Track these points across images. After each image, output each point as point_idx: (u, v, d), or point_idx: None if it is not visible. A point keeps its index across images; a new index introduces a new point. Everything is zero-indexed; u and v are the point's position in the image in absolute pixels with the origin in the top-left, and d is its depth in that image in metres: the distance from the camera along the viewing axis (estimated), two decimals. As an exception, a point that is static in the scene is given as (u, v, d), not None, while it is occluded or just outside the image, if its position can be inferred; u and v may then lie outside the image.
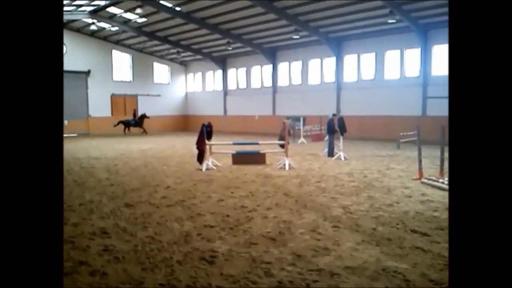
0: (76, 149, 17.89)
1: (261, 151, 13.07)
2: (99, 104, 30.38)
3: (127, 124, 28.70)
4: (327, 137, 15.26)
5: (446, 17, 18.18)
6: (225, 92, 32.00)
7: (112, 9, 24.67)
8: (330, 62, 24.76)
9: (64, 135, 20.22)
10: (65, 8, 23.08)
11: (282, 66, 27.75)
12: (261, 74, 29.33)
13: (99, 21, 26.65)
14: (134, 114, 29.70)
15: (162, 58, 33.83)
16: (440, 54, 20.20)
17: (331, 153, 14.24)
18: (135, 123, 28.76)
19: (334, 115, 15.20)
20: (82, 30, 28.67)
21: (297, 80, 26.85)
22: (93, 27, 27.27)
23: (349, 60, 23.92)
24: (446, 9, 17.51)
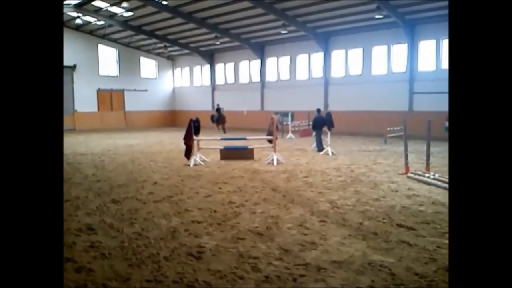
0: (61, 144, 17.62)
1: (249, 146, 13.07)
2: (85, 99, 29.97)
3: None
4: (314, 133, 15.35)
5: (433, 13, 18.42)
6: (213, 87, 31.86)
7: (98, 3, 24.28)
8: (318, 57, 24.82)
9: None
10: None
11: (270, 61, 27.73)
12: (249, 69, 29.26)
13: (84, 15, 26.24)
14: (217, 109, 26.59)
15: (149, 52, 33.47)
16: (427, 49, 20.42)
17: (320, 148, 14.35)
18: (217, 118, 25.97)
19: (318, 110, 15.28)
20: (67, 24, 28.14)
21: (285, 75, 26.87)
22: (78, 21, 26.83)
23: (337, 55, 24.02)
24: (432, 5, 17.71)
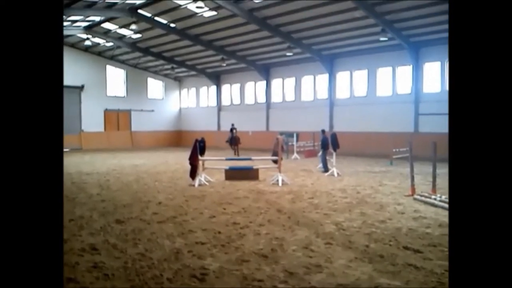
0: (67, 164, 17.72)
1: (254, 167, 13.05)
2: (92, 119, 30.30)
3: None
4: (320, 153, 15.37)
5: (437, 35, 18.62)
6: (219, 108, 32.13)
7: (107, 25, 24.84)
8: (323, 78, 25.03)
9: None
10: (60, 24, 23.21)
11: (276, 83, 27.99)
12: (254, 90, 29.54)
13: (93, 37, 26.80)
14: (231, 129, 23.68)
15: (156, 73, 33.98)
16: (431, 71, 20.54)
17: (325, 169, 14.34)
18: (230, 139, 23.36)
19: (323, 131, 15.39)
20: (76, 45, 28.79)
21: (290, 96, 27.07)
22: (87, 43, 27.39)
23: (342, 77, 24.21)
24: (437, 28, 17.92)
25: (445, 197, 8.62)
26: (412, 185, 9.81)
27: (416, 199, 9.15)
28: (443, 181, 11.54)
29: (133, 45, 27.72)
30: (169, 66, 31.49)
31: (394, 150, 16.93)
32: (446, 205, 8.01)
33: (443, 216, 7.44)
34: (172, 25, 22.96)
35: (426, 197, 8.97)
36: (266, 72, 28.00)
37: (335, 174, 13.42)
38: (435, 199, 8.62)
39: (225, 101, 31.86)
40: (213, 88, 32.40)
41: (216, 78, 31.75)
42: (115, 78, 32.15)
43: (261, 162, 14.17)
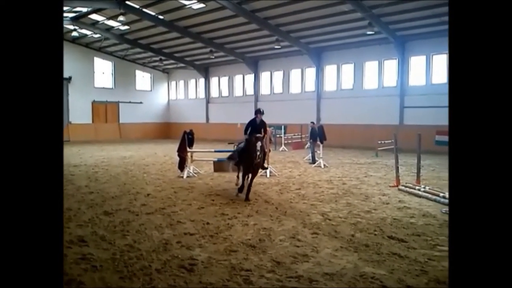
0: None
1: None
2: (79, 111, 29.92)
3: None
4: (308, 145, 15.55)
5: (423, 30, 18.83)
6: (208, 100, 32.04)
7: (94, 16, 24.45)
8: (310, 72, 25.12)
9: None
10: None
11: (264, 76, 28.00)
12: (243, 82, 29.51)
13: (81, 28, 26.37)
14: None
15: (144, 65, 33.65)
16: (417, 65, 20.80)
17: (313, 160, 14.51)
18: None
19: (312, 123, 15.59)
20: (63, 37, 28.28)
21: (278, 89, 27.13)
22: (74, 34, 26.95)
23: (329, 70, 24.34)
24: (423, 22, 18.12)
25: (429, 187, 8.82)
26: (397, 176, 9.99)
27: (400, 189, 9.33)
28: (427, 172, 11.80)
29: (121, 36, 27.35)
30: (157, 58, 31.20)
31: (379, 142, 17.15)
32: (430, 196, 8.20)
33: (427, 206, 7.62)
34: (161, 17, 22.70)
35: (410, 187, 9.15)
36: (254, 65, 27.96)
37: (322, 166, 13.57)
38: (419, 189, 8.80)
39: (214, 93, 31.79)
40: (202, 80, 32.26)
41: (205, 71, 31.61)
42: (103, 69, 31.73)
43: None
